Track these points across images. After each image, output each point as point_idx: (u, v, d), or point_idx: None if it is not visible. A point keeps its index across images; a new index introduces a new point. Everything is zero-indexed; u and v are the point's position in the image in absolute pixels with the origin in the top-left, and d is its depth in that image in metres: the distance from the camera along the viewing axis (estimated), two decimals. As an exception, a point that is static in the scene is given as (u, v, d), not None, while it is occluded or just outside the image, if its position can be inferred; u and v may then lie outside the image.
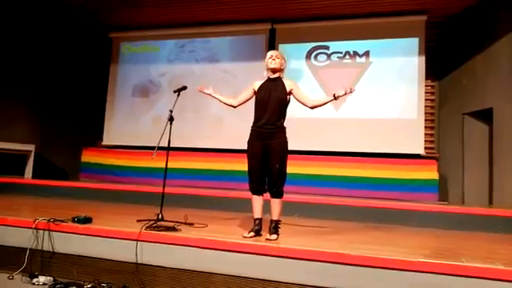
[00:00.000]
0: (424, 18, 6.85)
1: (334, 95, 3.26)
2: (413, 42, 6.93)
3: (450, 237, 4.19)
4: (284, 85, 3.35)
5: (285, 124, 3.35)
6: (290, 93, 3.36)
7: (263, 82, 3.42)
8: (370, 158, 6.71)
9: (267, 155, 3.25)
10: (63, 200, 5.67)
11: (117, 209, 5.09)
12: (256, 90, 3.42)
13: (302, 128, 6.74)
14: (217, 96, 3.59)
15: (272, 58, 3.38)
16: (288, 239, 3.24)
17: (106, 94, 8.51)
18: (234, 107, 3.56)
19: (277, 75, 3.40)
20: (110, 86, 8.54)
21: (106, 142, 8.41)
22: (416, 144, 6.73)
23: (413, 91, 6.84)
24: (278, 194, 3.29)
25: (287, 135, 3.34)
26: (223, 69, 7.83)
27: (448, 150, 6.89)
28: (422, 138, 6.77)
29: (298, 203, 5.23)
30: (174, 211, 4.16)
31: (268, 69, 3.41)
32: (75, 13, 7.71)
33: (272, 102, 3.29)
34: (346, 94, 3.23)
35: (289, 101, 3.39)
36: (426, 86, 7.02)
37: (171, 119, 3.82)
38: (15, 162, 7.08)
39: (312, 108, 3.41)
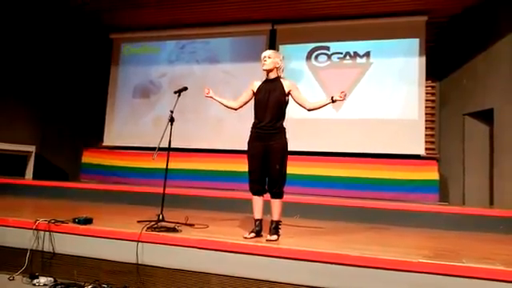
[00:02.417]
0: (424, 18, 6.85)
1: (332, 98, 3.27)
2: (413, 43, 6.93)
3: (451, 237, 4.19)
4: (283, 85, 3.34)
5: (285, 124, 3.35)
6: (289, 93, 3.36)
7: (262, 82, 3.42)
8: (371, 159, 6.70)
9: (267, 156, 3.26)
10: (64, 201, 5.67)
11: (117, 209, 5.10)
12: (255, 90, 3.41)
13: (302, 129, 6.74)
14: (218, 99, 3.59)
15: (264, 60, 3.37)
16: (288, 240, 3.24)
17: (106, 94, 8.52)
18: (235, 109, 3.56)
19: (274, 75, 3.38)
20: (111, 86, 8.55)
21: (106, 142, 8.41)
22: (416, 144, 6.73)
23: (413, 92, 6.84)
24: (278, 194, 3.29)
25: (287, 136, 3.34)
26: (224, 69, 7.83)
27: (448, 150, 6.88)
28: (423, 138, 6.76)
29: (299, 204, 5.23)
30: (174, 212, 4.16)
31: (263, 70, 3.42)
32: (76, 13, 7.71)
33: (271, 102, 3.28)
34: (342, 99, 3.24)
35: (287, 101, 3.39)
36: (427, 86, 7.02)
37: (172, 120, 3.83)
38: (16, 163, 7.09)
39: (309, 110, 3.42)
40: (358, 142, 6.87)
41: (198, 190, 6.20)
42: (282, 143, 3.28)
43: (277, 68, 3.37)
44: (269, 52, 3.41)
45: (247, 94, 3.49)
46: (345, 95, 3.24)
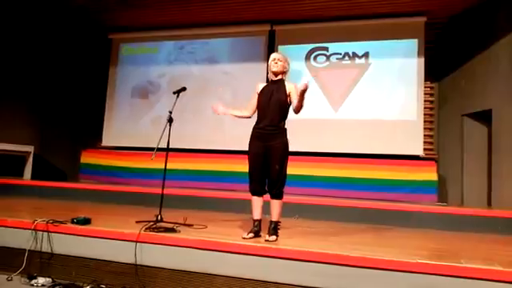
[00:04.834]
0: (423, 19, 6.86)
1: (299, 92, 3.14)
2: (412, 44, 6.93)
3: (449, 238, 4.20)
4: (285, 87, 3.37)
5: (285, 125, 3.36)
6: (289, 95, 3.37)
7: (266, 84, 3.46)
8: (370, 160, 6.71)
9: (268, 156, 3.27)
10: (62, 201, 5.66)
11: (116, 210, 5.09)
12: (259, 92, 3.44)
13: (301, 129, 6.72)
14: (231, 112, 3.58)
15: (275, 62, 3.40)
16: (287, 240, 3.24)
17: (105, 95, 8.50)
18: (249, 117, 3.54)
19: (279, 77, 3.42)
20: (110, 87, 8.53)
21: (105, 143, 8.41)
22: (415, 145, 6.73)
23: (412, 92, 6.84)
24: (277, 195, 3.30)
25: (288, 136, 3.34)
26: (222, 70, 7.82)
27: (447, 151, 6.89)
28: (422, 139, 6.76)
29: (298, 204, 5.22)
30: (173, 212, 4.16)
31: (270, 71, 3.43)
32: (75, 14, 7.71)
33: (273, 103, 3.31)
34: (304, 88, 3.07)
35: (290, 103, 3.39)
36: (426, 87, 7.02)
37: (170, 120, 3.82)
38: (14, 163, 7.08)
39: (297, 112, 3.31)
40: (357, 142, 6.87)
41: (196, 191, 6.19)
42: (283, 143, 3.29)
43: (284, 72, 3.43)
44: (280, 55, 3.45)
45: (255, 98, 3.50)
46: (306, 85, 3.05)
